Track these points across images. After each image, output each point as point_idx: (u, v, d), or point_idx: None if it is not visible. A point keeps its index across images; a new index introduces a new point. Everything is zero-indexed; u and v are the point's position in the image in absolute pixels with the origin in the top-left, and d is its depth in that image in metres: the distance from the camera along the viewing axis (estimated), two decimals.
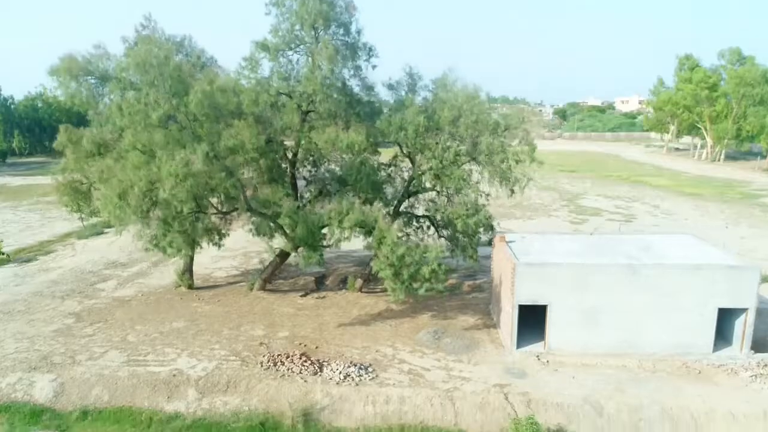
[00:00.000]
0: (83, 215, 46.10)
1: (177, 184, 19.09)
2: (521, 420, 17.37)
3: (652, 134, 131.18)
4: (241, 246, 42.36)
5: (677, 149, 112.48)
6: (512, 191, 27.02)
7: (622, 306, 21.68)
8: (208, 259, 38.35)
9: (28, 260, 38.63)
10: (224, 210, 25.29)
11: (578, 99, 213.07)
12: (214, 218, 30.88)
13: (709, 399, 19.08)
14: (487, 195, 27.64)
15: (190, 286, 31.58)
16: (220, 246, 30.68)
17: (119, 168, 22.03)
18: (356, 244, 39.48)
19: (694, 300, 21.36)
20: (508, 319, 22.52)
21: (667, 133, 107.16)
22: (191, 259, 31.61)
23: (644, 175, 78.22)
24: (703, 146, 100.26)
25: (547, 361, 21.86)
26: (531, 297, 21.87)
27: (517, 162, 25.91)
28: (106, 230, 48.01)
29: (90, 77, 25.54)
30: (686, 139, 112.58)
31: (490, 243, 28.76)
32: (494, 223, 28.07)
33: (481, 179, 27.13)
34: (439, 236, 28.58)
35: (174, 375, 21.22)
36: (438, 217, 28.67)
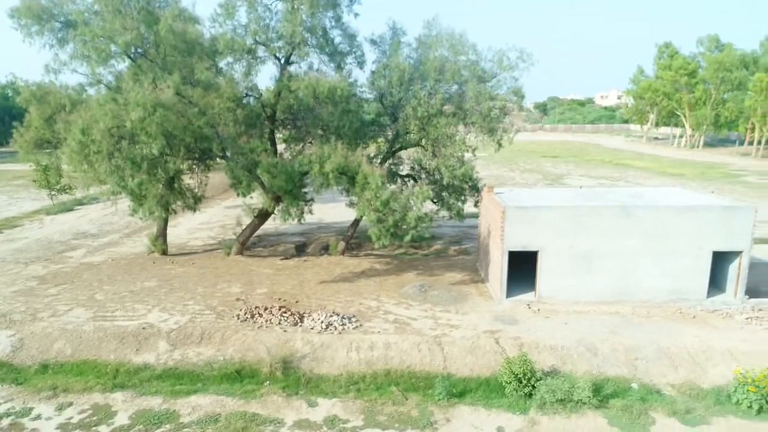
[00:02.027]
0: (53, 192, 44.43)
1: (145, 117, 17.67)
2: (513, 358, 16.42)
3: (632, 126, 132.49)
4: (219, 220, 41.04)
5: (657, 138, 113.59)
6: (499, 145, 26.15)
7: (615, 251, 20.91)
8: (184, 231, 36.94)
9: None
10: (197, 155, 23.85)
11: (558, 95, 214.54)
12: (189, 180, 29.71)
13: (706, 339, 18.39)
14: (474, 149, 26.76)
15: (164, 252, 30.11)
16: (195, 210, 29.46)
17: (83, 108, 20.53)
18: (337, 215, 38.64)
19: (688, 243, 20.69)
20: (498, 268, 21.60)
21: (647, 122, 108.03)
22: (165, 222, 30.13)
23: (626, 159, 78.53)
24: (681, 135, 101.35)
25: (538, 309, 20.99)
26: (521, 243, 20.97)
27: (504, 112, 25.07)
28: (77, 207, 46.21)
29: (54, 20, 23.94)
30: (665, 130, 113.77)
31: (476, 204, 27.92)
32: (479, 185, 27.22)
33: (468, 133, 26.22)
34: None
35: (144, 328, 19.83)
36: (423, 176, 27.77)
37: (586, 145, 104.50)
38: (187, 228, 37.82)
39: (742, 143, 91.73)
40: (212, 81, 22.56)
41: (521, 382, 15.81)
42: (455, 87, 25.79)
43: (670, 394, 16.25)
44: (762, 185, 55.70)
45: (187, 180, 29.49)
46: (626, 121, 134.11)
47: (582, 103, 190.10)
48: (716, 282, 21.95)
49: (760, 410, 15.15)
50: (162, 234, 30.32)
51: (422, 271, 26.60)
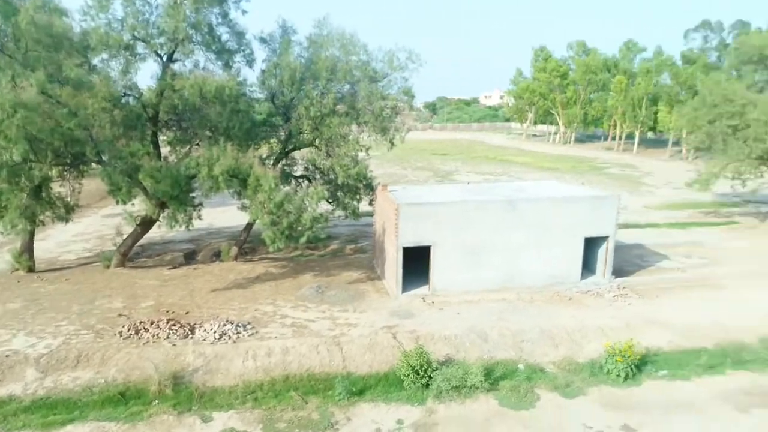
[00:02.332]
0: None
1: (4, 119, 15.62)
2: (410, 351, 16.85)
3: (513, 124, 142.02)
4: (96, 230, 37.63)
5: (535, 135, 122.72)
6: (392, 143, 26.67)
7: (501, 243, 22.26)
8: (54, 244, 33.40)
9: None
10: (68, 160, 21.66)
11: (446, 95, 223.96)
12: (60, 188, 26.95)
13: (580, 318, 20.22)
14: (368, 149, 27.05)
15: (30, 269, 26.99)
16: (67, 221, 26.84)
17: None
18: (229, 220, 37.14)
19: (564, 232, 22.58)
20: (393, 264, 22.05)
21: (526, 120, 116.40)
22: (31, 235, 27.00)
23: (508, 155, 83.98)
24: (556, 132, 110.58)
25: (433, 302, 21.75)
26: (415, 238, 21.59)
27: (395, 112, 25.63)
28: None
29: None
30: (542, 127, 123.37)
31: (371, 203, 28.23)
32: (373, 183, 27.57)
33: (361, 132, 26.46)
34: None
35: (7, 356, 17.64)
36: (317, 176, 27.57)
37: (472, 143, 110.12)
38: (58, 241, 34.26)
39: (606, 139, 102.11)
40: (84, 79, 20.61)
41: (418, 374, 16.26)
42: (347, 87, 25.89)
43: (551, 371, 17.60)
44: (623, 176, 62.44)
45: (58, 188, 26.74)
46: (508, 120, 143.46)
47: (468, 103, 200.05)
48: (588, 265, 24.18)
49: (626, 377, 16.94)
50: (27, 249, 27.16)
51: (319, 272, 26.43)
